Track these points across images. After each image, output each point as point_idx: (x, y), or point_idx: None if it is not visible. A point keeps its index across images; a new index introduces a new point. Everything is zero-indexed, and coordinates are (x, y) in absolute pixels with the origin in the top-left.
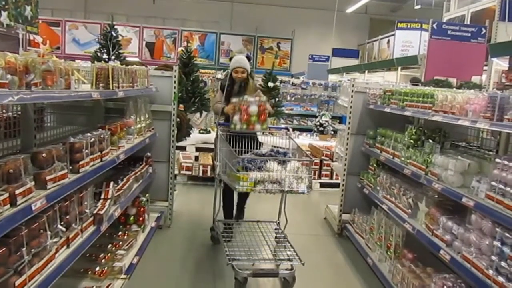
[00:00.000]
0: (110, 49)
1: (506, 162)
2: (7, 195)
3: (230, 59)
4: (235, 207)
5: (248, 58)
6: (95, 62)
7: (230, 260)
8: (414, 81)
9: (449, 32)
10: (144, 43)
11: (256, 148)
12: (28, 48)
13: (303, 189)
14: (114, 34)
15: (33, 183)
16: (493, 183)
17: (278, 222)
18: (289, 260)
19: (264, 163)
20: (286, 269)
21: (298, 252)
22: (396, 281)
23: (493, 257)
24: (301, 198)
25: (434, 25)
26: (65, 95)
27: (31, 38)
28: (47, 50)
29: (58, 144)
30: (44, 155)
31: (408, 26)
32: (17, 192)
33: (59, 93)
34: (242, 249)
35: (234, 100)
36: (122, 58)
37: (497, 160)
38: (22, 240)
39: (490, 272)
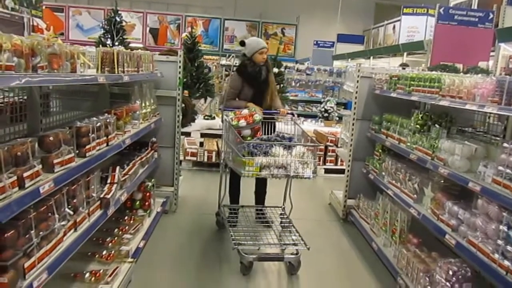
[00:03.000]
0: (114, 34)
1: None
2: (15, 177)
3: (241, 43)
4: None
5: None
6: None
7: (236, 245)
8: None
9: (456, 17)
10: (148, 29)
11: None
12: (32, 33)
13: (309, 174)
14: (118, 20)
15: (40, 166)
16: (500, 167)
17: (283, 207)
18: (294, 244)
19: (270, 148)
20: (292, 254)
21: (303, 237)
22: (401, 266)
23: (499, 241)
24: (306, 184)
25: (441, 10)
26: (72, 78)
27: (35, 24)
28: (51, 36)
29: (65, 128)
30: (51, 138)
31: (414, 12)
32: (25, 175)
33: (65, 77)
34: (247, 234)
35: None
36: (126, 43)
37: (505, 144)
38: (31, 223)
39: (496, 256)
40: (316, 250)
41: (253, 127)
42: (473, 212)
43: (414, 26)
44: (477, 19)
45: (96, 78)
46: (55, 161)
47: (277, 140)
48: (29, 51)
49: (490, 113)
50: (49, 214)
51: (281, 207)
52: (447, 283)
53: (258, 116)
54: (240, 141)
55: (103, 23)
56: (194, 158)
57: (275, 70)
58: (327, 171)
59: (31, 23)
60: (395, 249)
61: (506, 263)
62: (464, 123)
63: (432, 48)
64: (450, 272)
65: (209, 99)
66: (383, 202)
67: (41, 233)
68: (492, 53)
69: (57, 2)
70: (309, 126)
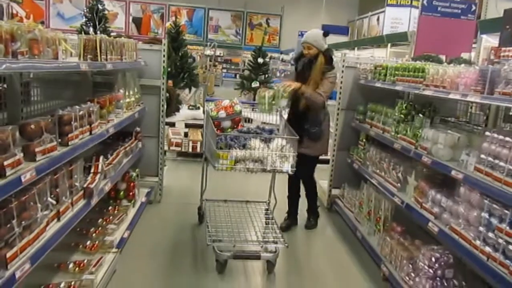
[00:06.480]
0: (97, 22)
1: (495, 135)
2: None
3: (326, 34)
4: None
5: (325, 33)
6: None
7: (211, 242)
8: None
9: (439, 8)
10: (130, 18)
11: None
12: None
13: (287, 168)
14: (100, 8)
15: (22, 154)
16: (482, 156)
17: (268, 202)
18: (274, 242)
19: (248, 141)
20: (270, 252)
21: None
22: (385, 254)
23: (481, 228)
24: None
25: (425, 1)
26: (54, 65)
27: (14, 11)
28: (31, 25)
29: (47, 116)
30: (32, 126)
31: (398, 3)
32: (5, 163)
33: (46, 63)
34: (226, 230)
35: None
36: (108, 32)
37: (487, 133)
38: (12, 212)
39: (478, 242)
40: (302, 240)
41: (233, 118)
42: (455, 199)
43: (398, 18)
44: (460, 11)
45: (79, 65)
46: (37, 149)
47: (256, 132)
48: (9, 36)
49: (473, 102)
50: (31, 203)
51: (265, 202)
52: (430, 270)
53: (238, 107)
54: (217, 133)
55: (85, 11)
56: (179, 148)
57: (260, 60)
58: None
59: (10, 11)
60: (379, 237)
61: (487, 249)
62: (447, 113)
63: (416, 39)
64: (433, 259)
65: (193, 89)
66: (367, 191)
67: (23, 222)
68: (474, 45)
69: None
70: None
